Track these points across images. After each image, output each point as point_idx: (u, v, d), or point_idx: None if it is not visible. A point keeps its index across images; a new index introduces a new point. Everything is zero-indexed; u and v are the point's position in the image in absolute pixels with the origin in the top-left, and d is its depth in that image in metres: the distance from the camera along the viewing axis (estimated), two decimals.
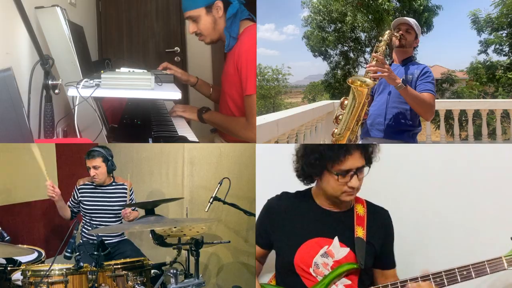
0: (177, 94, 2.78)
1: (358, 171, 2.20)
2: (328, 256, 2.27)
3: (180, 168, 3.69)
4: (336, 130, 3.03)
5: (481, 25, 9.01)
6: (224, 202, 2.95)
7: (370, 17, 9.11)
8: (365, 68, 2.99)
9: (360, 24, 9.41)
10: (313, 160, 2.22)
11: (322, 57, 10.09)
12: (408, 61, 3.22)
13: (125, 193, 3.27)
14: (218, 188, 2.95)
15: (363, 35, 9.78)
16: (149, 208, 2.56)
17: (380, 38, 3.13)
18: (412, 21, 3.17)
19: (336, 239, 2.29)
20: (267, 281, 2.45)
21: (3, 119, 2.33)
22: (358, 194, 2.33)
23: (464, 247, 2.66)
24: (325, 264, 2.27)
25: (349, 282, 2.27)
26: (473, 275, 2.15)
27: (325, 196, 2.32)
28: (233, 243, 3.34)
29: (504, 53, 8.99)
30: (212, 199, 2.93)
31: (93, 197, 3.23)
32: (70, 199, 3.27)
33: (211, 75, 5.18)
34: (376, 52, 3.01)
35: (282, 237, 2.35)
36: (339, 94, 10.08)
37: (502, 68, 8.90)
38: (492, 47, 9.07)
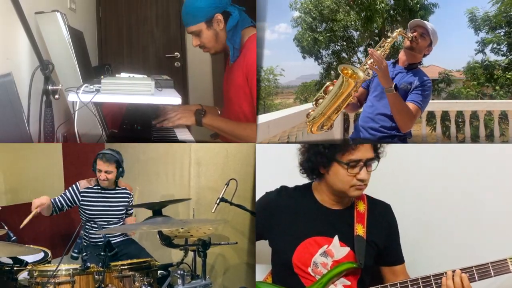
0: (177, 100, 2.78)
1: (368, 163, 2.17)
2: (327, 255, 2.24)
3: (186, 169, 3.68)
4: (312, 113, 2.89)
5: (479, 24, 8.85)
6: (231, 203, 2.93)
7: (363, 15, 9.00)
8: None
9: (352, 23, 9.29)
10: (322, 149, 2.18)
11: (314, 57, 9.94)
12: (413, 67, 3.09)
13: (127, 197, 3.26)
14: (225, 189, 2.93)
15: (355, 34, 9.65)
16: (157, 209, 2.55)
17: (389, 34, 3.02)
18: (430, 26, 3.03)
19: (336, 238, 2.25)
20: (262, 278, 2.42)
21: (3, 124, 2.33)
22: None
23: (466, 249, 2.64)
24: (324, 264, 2.23)
25: (348, 282, 2.24)
26: (476, 277, 2.11)
27: (331, 192, 2.27)
28: (239, 244, 3.34)
29: (502, 52, 8.84)
30: (219, 200, 2.91)
31: (97, 202, 3.18)
32: (61, 198, 3.14)
33: (211, 80, 5.18)
34: (381, 47, 2.93)
35: (280, 234, 2.30)
36: None
37: (500, 68, 8.77)
38: (490, 47, 8.93)
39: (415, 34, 3.02)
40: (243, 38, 2.98)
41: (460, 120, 7.00)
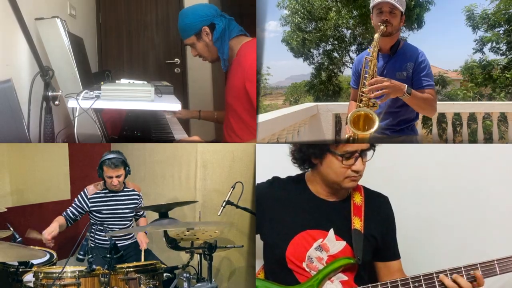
0: (177, 106, 2.79)
1: (363, 153, 2.11)
2: (322, 250, 2.16)
3: (192, 171, 3.67)
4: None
5: (477, 22, 8.60)
6: (237, 206, 2.93)
7: (355, 12, 8.83)
8: (365, 87, 2.73)
9: (344, 21, 9.11)
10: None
11: (304, 57, 9.73)
12: (396, 47, 2.85)
13: (136, 198, 3.28)
14: (231, 192, 2.93)
15: (347, 33, 9.43)
16: (163, 211, 2.54)
17: (369, 50, 2.79)
18: None
19: (331, 231, 2.17)
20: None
21: (3, 130, 2.33)
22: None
23: (469, 245, 2.62)
24: (319, 259, 2.15)
25: (345, 278, 2.16)
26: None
27: (325, 183, 2.20)
28: (245, 247, 3.32)
29: (501, 51, 8.60)
30: (225, 203, 2.91)
31: (107, 205, 3.21)
32: (73, 209, 3.19)
33: (211, 86, 5.18)
34: (366, 68, 2.74)
35: (272, 227, 2.23)
36: (324, 97, 9.76)
37: (499, 67, 8.54)
38: (489, 45, 8.69)
39: (384, 18, 2.76)
40: (234, 47, 3.08)
41: (457, 122, 6.81)
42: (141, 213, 3.34)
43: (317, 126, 5.68)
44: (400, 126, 2.98)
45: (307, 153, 2.18)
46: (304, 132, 5.19)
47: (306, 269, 2.16)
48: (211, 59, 3.17)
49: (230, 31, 3.08)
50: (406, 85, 2.71)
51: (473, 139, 6.44)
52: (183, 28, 3.09)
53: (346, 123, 2.81)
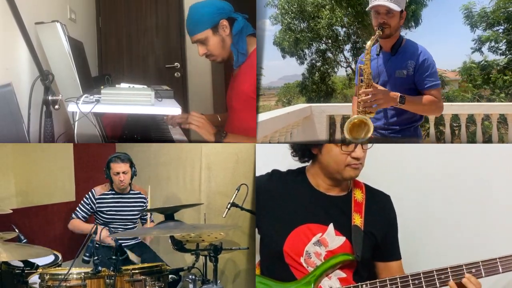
0: (177, 110, 2.78)
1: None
2: (321, 244, 2.13)
3: (197, 173, 3.68)
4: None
5: (475, 20, 8.42)
6: (242, 208, 2.93)
7: (350, 10, 8.67)
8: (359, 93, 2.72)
9: (338, 19, 8.96)
10: None
11: (296, 57, 9.56)
12: (397, 46, 2.79)
13: (143, 201, 3.35)
14: (236, 194, 2.93)
15: (342, 31, 9.26)
16: (169, 214, 2.55)
17: (363, 59, 2.77)
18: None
19: (331, 226, 2.14)
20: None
21: (3, 134, 2.33)
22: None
23: (472, 246, 2.59)
24: (317, 254, 2.12)
25: (344, 275, 2.13)
26: (483, 273, 2.00)
27: (326, 174, 2.16)
28: (250, 249, 3.32)
29: (500, 51, 8.45)
30: (229, 205, 2.91)
31: (113, 206, 3.27)
32: (83, 208, 3.27)
33: (211, 90, 5.18)
34: (361, 75, 2.72)
35: (270, 221, 2.20)
36: (316, 97, 9.64)
37: (498, 68, 8.39)
38: (487, 45, 8.54)
39: (381, 20, 2.71)
40: (249, 46, 2.95)
41: (455, 124, 6.69)
42: (148, 216, 3.35)
43: (311, 128, 5.59)
44: (402, 126, 2.88)
45: (307, 144, 2.17)
46: (297, 134, 5.09)
47: (304, 264, 2.12)
48: (222, 58, 2.97)
49: (246, 27, 2.95)
50: (399, 94, 2.68)
51: (472, 141, 6.28)
52: (198, 19, 2.86)
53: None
